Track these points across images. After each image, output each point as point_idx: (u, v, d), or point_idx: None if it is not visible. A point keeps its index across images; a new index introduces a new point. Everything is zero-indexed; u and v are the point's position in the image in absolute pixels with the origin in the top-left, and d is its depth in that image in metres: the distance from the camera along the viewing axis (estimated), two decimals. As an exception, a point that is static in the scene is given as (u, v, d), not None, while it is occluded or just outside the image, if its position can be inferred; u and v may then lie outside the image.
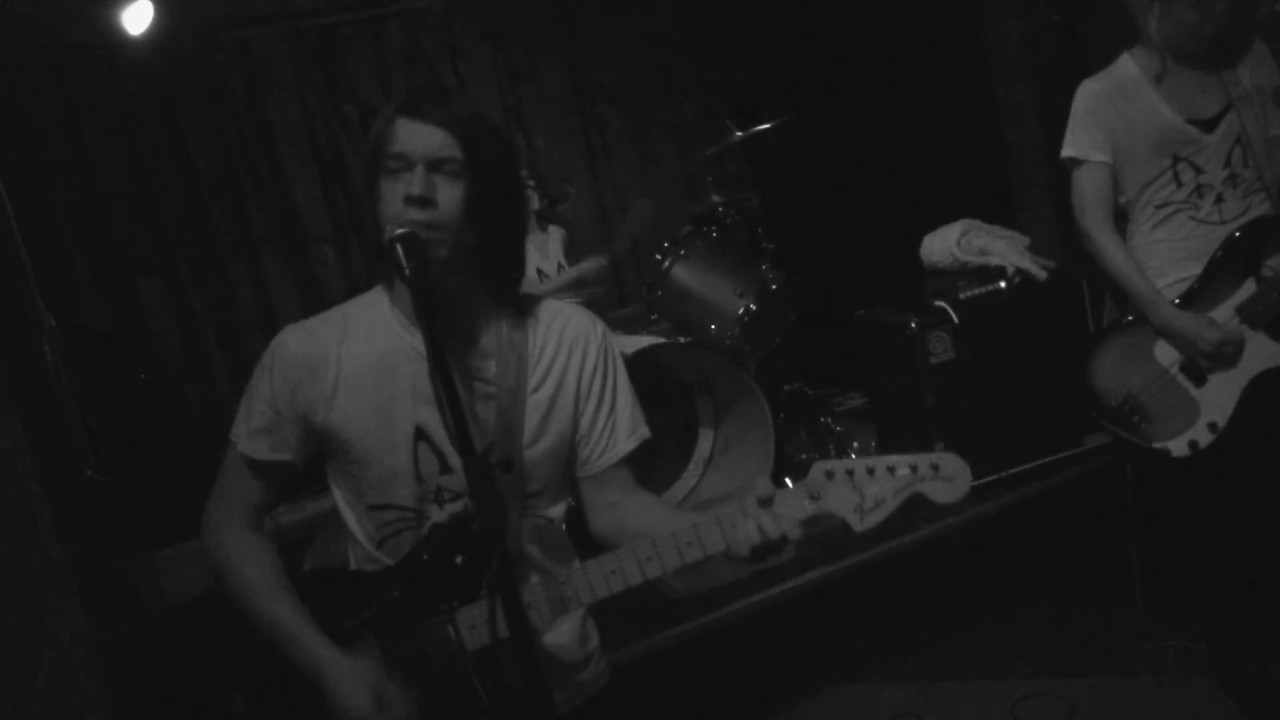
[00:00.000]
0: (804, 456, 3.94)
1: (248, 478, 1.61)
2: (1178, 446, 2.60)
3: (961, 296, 3.52)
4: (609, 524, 1.67)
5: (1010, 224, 3.82)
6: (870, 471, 1.41)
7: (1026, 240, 3.68)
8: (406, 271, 1.39)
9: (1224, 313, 2.56)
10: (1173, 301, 2.60)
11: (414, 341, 1.55)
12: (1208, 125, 2.56)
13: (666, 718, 3.05)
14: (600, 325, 1.69)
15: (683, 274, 3.75)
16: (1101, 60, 2.75)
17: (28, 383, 2.59)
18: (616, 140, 5.21)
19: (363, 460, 1.56)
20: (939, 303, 3.50)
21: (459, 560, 1.52)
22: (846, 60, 4.78)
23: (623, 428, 1.67)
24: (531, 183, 4.15)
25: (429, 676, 1.51)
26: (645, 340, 3.50)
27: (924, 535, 3.31)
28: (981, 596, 3.44)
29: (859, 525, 1.42)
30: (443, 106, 1.48)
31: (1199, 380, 2.58)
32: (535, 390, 1.60)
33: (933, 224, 3.80)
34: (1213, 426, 2.56)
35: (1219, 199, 2.58)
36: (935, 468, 1.41)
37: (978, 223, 3.71)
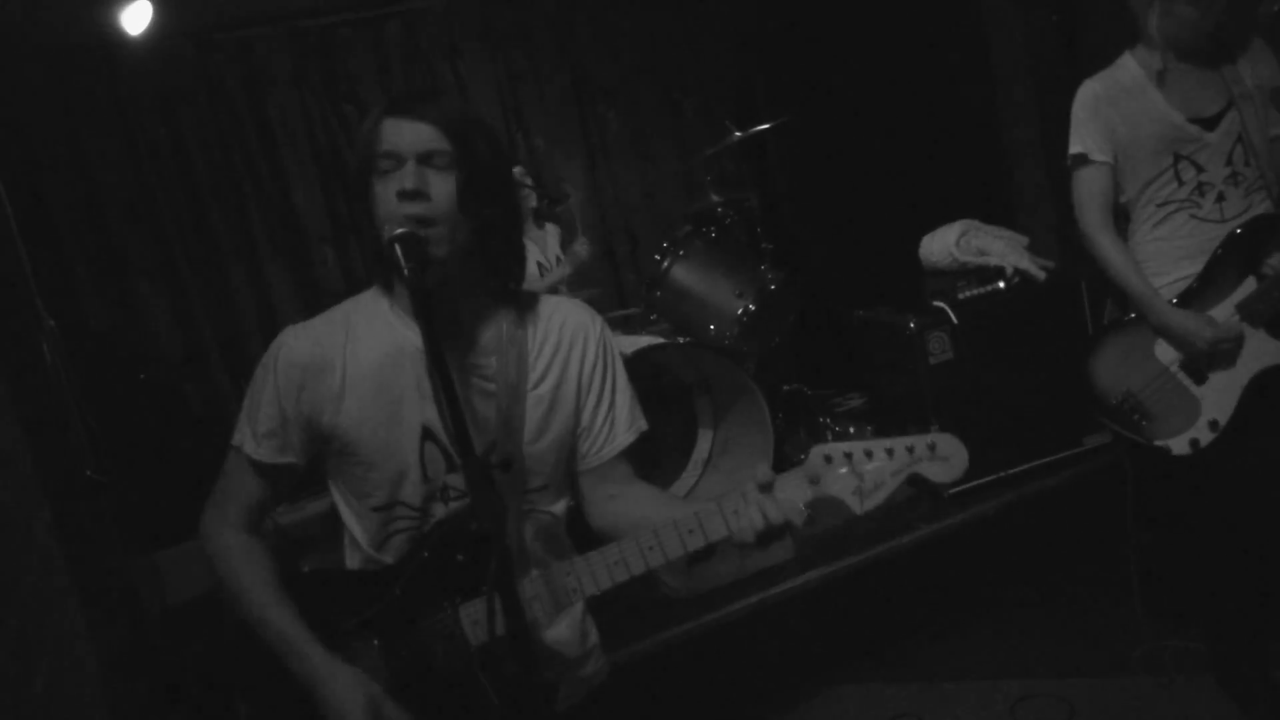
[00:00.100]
0: (803, 457, 3.94)
1: (252, 481, 1.61)
2: (1179, 445, 2.60)
3: (960, 297, 3.52)
4: (609, 516, 1.67)
5: (1009, 224, 3.82)
6: (869, 454, 1.43)
7: (1025, 240, 3.68)
8: (405, 272, 1.39)
9: (1224, 310, 2.56)
10: (1172, 300, 2.61)
11: (417, 340, 1.55)
12: (1209, 123, 2.56)
13: (666, 718, 3.05)
14: (599, 320, 1.70)
15: (682, 274, 3.75)
16: (1101, 60, 2.75)
17: (27, 383, 2.59)
18: (616, 140, 5.21)
19: (369, 460, 1.56)
20: (938, 303, 3.50)
21: (460, 557, 1.52)
22: (846, 60, 4.78)
23: (622, 421, 1.67)
24: (529, 182, 4.15)
25: (433, 673, 1.51)
26: (644, 340, 3.50)
27: (923, 536, 3.31)
28: (981, 597, 3.44)
29: (859, 507, 1.44)
30: (429, 102, 1.50)
31: (1199, 378, 2.58)
32: (536, 386, 1.61)
33: (932, 224, 3.80)
34: (1214, 425, 2.56)
35: (1220, 197, 2.58)
36: (932, 447, 1.42)
37: (976, 223, 3.72)
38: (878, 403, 4.06)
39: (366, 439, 1.55)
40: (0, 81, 4.02)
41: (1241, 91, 2.54)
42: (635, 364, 3.29)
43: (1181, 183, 2.59)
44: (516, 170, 4.18)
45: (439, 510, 1.58)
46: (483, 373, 1.58)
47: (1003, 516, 3.42)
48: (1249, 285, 2.54)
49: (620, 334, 3.78)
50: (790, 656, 3.27)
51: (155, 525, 3.28)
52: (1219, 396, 2.56)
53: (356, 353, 1.57)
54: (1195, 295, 2.59)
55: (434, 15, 4.85)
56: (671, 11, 5.24)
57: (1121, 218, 2.76)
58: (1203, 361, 2.57)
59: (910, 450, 1.42)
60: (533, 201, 4.11)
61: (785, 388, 4.27)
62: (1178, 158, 2.58)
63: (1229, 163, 2.56)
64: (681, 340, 3.57)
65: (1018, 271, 3.54)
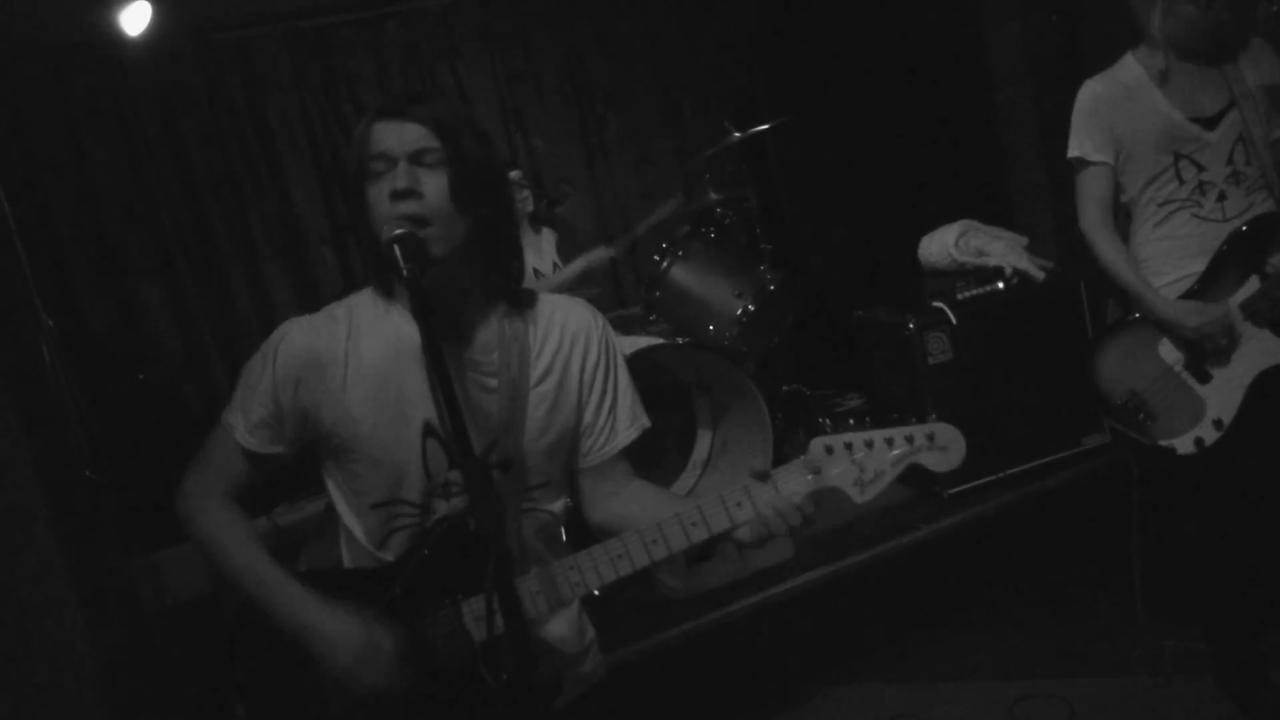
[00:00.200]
0: (801, 456, 3.94)
1: (238, 462, 1.61)
2: (1183, 444, 2.60)
3: (959, 297, 3.53)
4: (608, 513, 1.68)
5: (1008, 225, 3.83)
6: (869, 444, 1.44)
7: (1024, 241, 3.69)
8: (405, 272, 1.40)
9: (1227, 309, 2.57)
10: (1184, 300, 2.61)
11: (419, 337, 1.55)
12: (1210, 123, 2.56)
13: (666, 718, 3.05)
14: (600, 318, 1.70)
15: (681, 275, 3.75)
16: (1100, 61, 2.75)
17: (26, 383, 2.59)
18: (615, 141, 5.21)
19: (371, 457, 1.56)
20: (937, 303, 3.50)
21: (462, 553, 1.52)
22: (845, 61, 4.79)
23: (624, 419, 1.68)
24: (527, 185, 4.15)
25: (437, 668, 1.51)
26: (644, 341, 3.50)
27: (922, 536, 3.31)
28: (980, 597, 3.44)
29: (859, 497, 1.45)
30: (417, 103, 1.51)
31: (1203, 378, 2.59)
32: (539, 384, 1.61)
33: (931, 225, 3.81)
34: (1218, 424, 2.57)
35: (1221, 196, 2.58)
36: (931, 437, 1.44)
37: (975, 223, 3.72)
38: (877, 403, 4.06)
39: (368, 436, 1.55)
40: (0, 82, 4.03)
41: (1243, 91, 2.54)
42: (634, 364, 3.25)
43: (1182, 182, 2.60)
44: (515, 174, 4.18)
45: (440, 507, 1.58)
46: (484, 370, 1.58)
47: (1002, 517, 3.42)
48: (1252, 284, 2.54)
49: (619, 334, 3.76)
50: (790, 656, 3.27)
51: (154, 525, 3.28)
52: (1223, 396, 2.56)
53: (359, 349, 1.57)
54: (1198, 295, 2.59)
55: (433, 16, 4.85)
56: (671, 12, 5.24)
57: (1124, 217, 2.76)
58: (1199, 352, 2.58)
59: (909, 440, 1.44)
60: (530, 205, 4.11)
61: (784, 388, 4.27)
62: (1178, 156, 2.59)
63: (1230, 162, 2.57)
64: (681, 341, 3.57)
65: (1017, 272, 3.55)
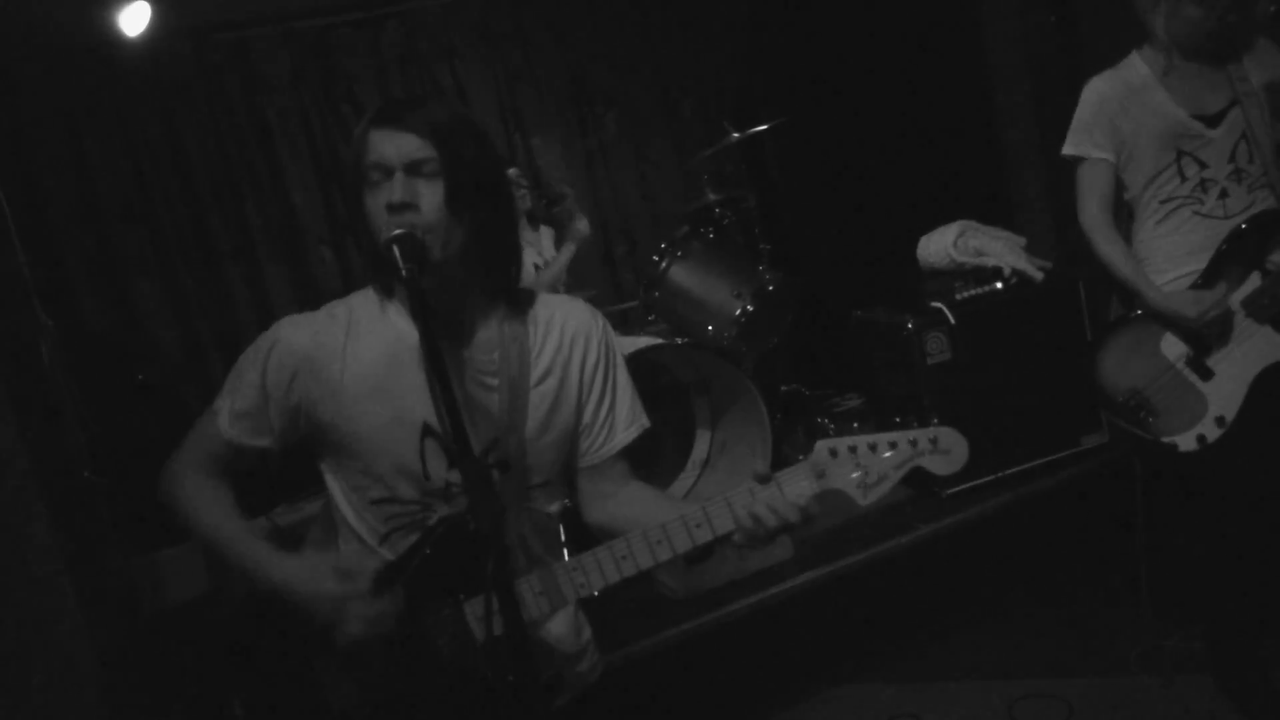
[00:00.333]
0: (801, 457, 3.94)
1: (219, 446, 1.62)
2: (1185, 441, 2.60)
3: (958, 297, 3.53)
4: (606, 513, 1.69)
5: (1007, 225, 3.83)
6: (872, 448, 1.46)
7: (1023, 241, 3.69)
8: (403, 272, 1.40)
9: (1229, 307, 2.57)
10: (1185, 290, 2.62)
11: (418, 337, 1.56)
12: (1212, 121, 2.58)
13: (665, 718, 3.05)
14: (600, 318, 1.71)
15: (680, 275, 3.75)
16: (1099, 61, 2.76)
17: (24, 384, 2.59)
18: (614, 141, 5.21)
19: (369, 455, 1.56)
20: (935, 303, 3.51)
21: (463, 553, 1.52)
22: (843, 61, 4.79)
23: (622, 419, 1.69)
24: (525, 183, 4.15)
25: (438, 669, 1.51)
26: (642, 341, 3.51)
27: (921, 536, 3.31)
28: (978, 597, 3.44)
29: (862, 500, 1.46)
30: (413, 110, 1.50)
31: (1205, 375, 2.59)
32: (539, 383, 1.61)
33: (929, 225, 3.81)
34: (1220, 421, 2.57)
35: (1223, 194, 2.59)
36: (934, 441, 1.45)
37: (974, 223, 3.72)
38: (876, 403, 4.06)
39: (366, 434, 1.55)
40: (-2, 82, 4.03)
41: (1246, 90, 2.55)
42: (633, 364, 3.25)
43: (1184, 179, 2.61)
44: (513, 171, 4.18)
45: (441, 506, 1.58)
46: (484, 369, 1.58)
47: (1000, 516, 3.42)
48: (1254, 281, 2.55)
49: (618, 334, 3.77)
50: (789, 656, 3.27)
51: (153, 525, 3.27)
52: (1225, 393, 2.57)
53: (357, 348, 1.57)
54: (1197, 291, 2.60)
55: (432, 16, 4.86)
56: (669, 12, 5.24)
57: (1126, 215, 2.77)
58: (1201, 345, 2.59)
59: (913, 444, 1.45)
60: (528, 203, 4.11)
61: (783, 388, 4.27)
62: (1180, 153, 2.60)
63: (1232, 159, 2.58)
64: (680, 341, 3.57)
65: (1015, 272, 3.55)
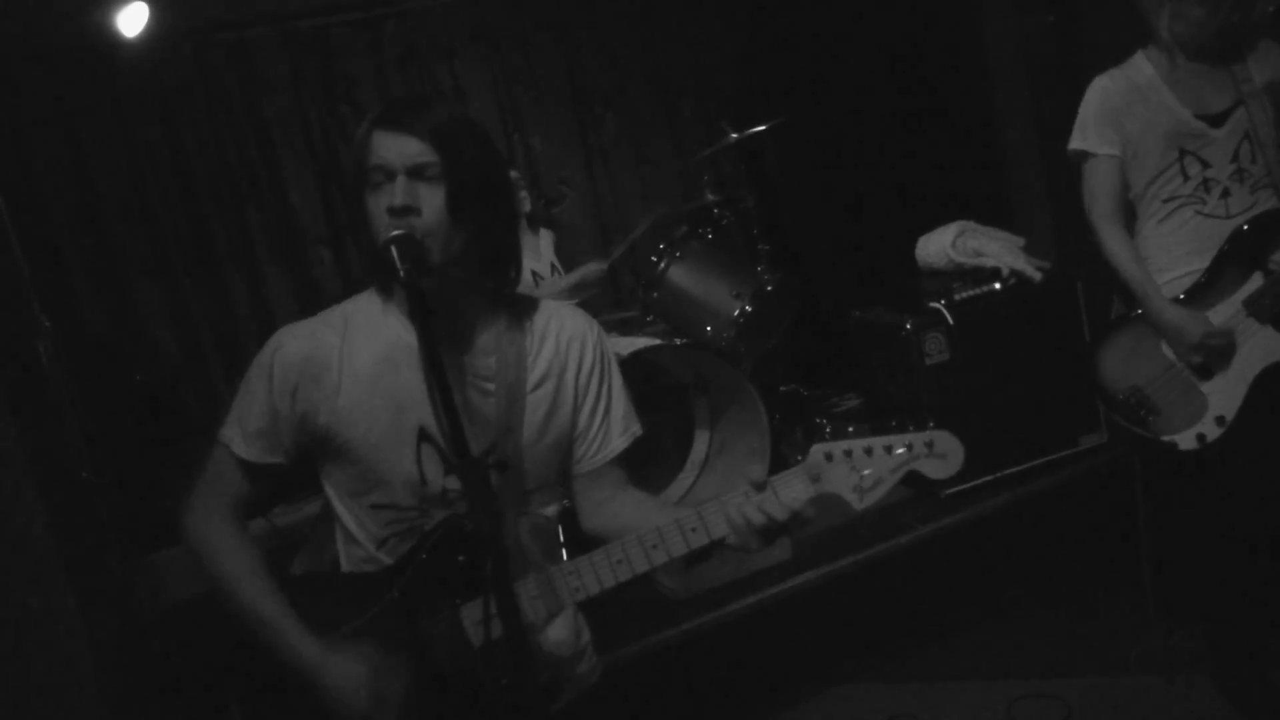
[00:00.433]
0: (800, 458, 3.94)
1: (238, 477, 1.61)
2: (1185, 440, 2.61)
3: (957, 298, 3.53)
4: (602, 521, 1.69)
5: (1005, 225, 3.83)
6: (868, 451, 1.46)
7: (1021, 241, 3.69)
8: (401, 273, 1.40)
9: (1231, 306, 2.58)
10: (1178, 296, 2.62)
11: (415, 340, 1.55)
12: (1216, 120, 2.58)
13: (664, 719, 3.05)
14: (595, 325, 1.71)
15: (679, 275, 3.75)
16: (1098, 61, 2.76)
17: (23, 384, 2.59)
18: (613, 142, 5.20)
19: (366, 460, 1.56)
20: (934, 304, 3.51)
21: (460, 557, 1.52)
22: (843, 62, 4.79)
23: (617, 425, 1.69)
24: (524, 184, 4.14)
25: (436, 674, 1.51)
26: (641, 341, 3.51)
27: (920, 536, 3.32)
28: (977, 597, 3.45)
29: (858, 504, 1.46)
30: (418, 113, 1.50)
31: (1205, 374, 2.60)
32: (536, 388, 1.61)
33: (928, 225, 3.81)
34: (1220, 420, 2.58)
35: (1225, 193, 2.60)
36: (930, 445, 1.45)
37: (973, 224, 3.73)
38: (874, 403, 4.06)
39: (362, 439, 1.55)
40: (-4, 83, 4.03)
41: (1250, 90, 2.56)
42: (632, 365, 3.29)
43: (1187, 178, 2.61)
44: (512, 174, 4.16)
45: (438, 512, 1.58)
46: (481, 373, 1.58)
47: (999, 517, 3.42)
48: (1256, 281, 2.56)
49: (617, 335, 3.78)
50: (788, 657, 3.27)
51: (152, 526, 3.28)
52: (1226, 392, 2.57)
53: (353, 353, 1.57)
54: (1201, 291, 2.60)
55: (431, 16, 4.85)
56: (668, 13, 5.24)
57: (1129, 214, 2.78)
58: (1194, 359, 2.59)
59: (909, 447, 1.45)
60: (528, 205, 4.11)
61: (782, 388, 4.27)
62: (1183, 152, 2.60)
63: (1235, 159, 2.58)
64: (678, 341, 3.57)
65: (1014, 272, 3.55)
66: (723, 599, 3.12)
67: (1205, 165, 2.60)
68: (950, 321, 3.45)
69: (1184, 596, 3.04)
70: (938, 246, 3.71)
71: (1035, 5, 4.08)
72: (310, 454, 1.63)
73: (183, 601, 3.26)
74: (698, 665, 3.09)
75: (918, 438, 1.45)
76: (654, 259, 3.80)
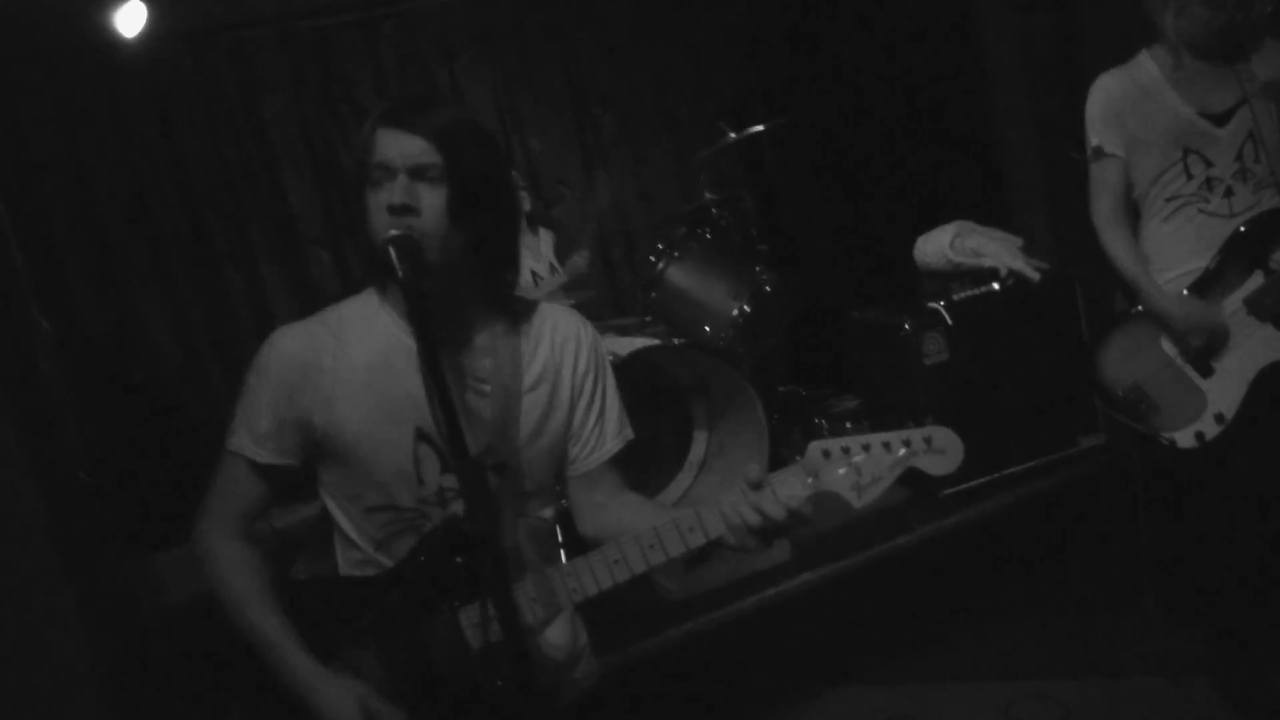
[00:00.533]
0: (798, 458, 3.94)
1: (249, 485, 1.60)
2: (1184, 438, 2.61)
3: (955, 298, 3.53)
4: (599, 524, 1.69)
5: (1003, 225, 3.82)
6: (866, 448, 1.44)
7: (1019, 242, 3.69)
8: (399, 274, 1.40)
9: (1232, 304, 2.59)
10: (1181, 292, 2.62)
11: (411, 342, 1.56)
12: (1220, 119, 2.59)
13: None
14: (590, 327, 1.72)
15: (677, 276, 3.75)
16: (1098, 61, 2.77)
17: (21, 385, 2.59)
18: (611, 142, 5.21)
19: (363, 462, 1.56)
20: (933, 304, 3.51)
21: (458, 560, 1.52)
22: (841, 62, 4.79)
23: (611, 428, 1.69)
24: (523, 184, 4.14)
25: (434, 677, 1.51)
26: (639, 342, 3.50)
27: (918, 537, 3.31)
28: (976, 598, 3.44)
29: (857, 502, 1.45)
30: (423, 113, 1.50)
31: (1205, 371, 2.60)
32: (531, 389, 1.61)
33: (926, 225, 3.81)
34: (1219, 418, 2.58)
35: (1228, 192, 2.60)
36: (928, 441, 1.44)
37: (971, 224, 3.72)
38: (872, 404, 4.06)
39: (358, 440, 1.55)
40: (-6, 83, 4.02)
41: (1254, 89, 2.57)
42: (630, 365, 3.28)
43: (1190, 177, 2.62)
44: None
45: (436, 512, 1.58)
46: (477, 374, 1.58)
47: (997, 518, 3.42)
48: (1256, 279, 2.56)
49: (615, 335, 3.77)
50: (786, 658, 3.27)
51: (151, 528, 3.28)
52: (1225, 390, 2.58)
53: (348, 354, 1.57)
54: (1203, 289, 2.61)
55: (429, 17, 4.84)
56: (667, 14, 5.24)
57: (1133, 213, 2.78)
58: (1193, 350, 2.59)
59: (907, 444, 1.44)
60: (528, 205, 4.10)
61: (780, 389, 4.27)
62: (1187, 151, 2.61)
63: (1238, 158, 2.59)
64: (677, 342, 3.57)
65: (1012, 273, 3.55)
66: (722, 600, 3.11)
67: (1208, 164, 2.61)
68: (949, 322, 3.45)
69: (1183, 597, 3.04)
70: (936, 247, 3.71)
71: (1035, 5, 4.08)
72: (314, 456, 1.63)
73: (182, 602, 3.26)
74: (697, 667, 3.09)
75: (916, 434, 1.44)
76: (653, 259, 3.80)
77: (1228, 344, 2.57)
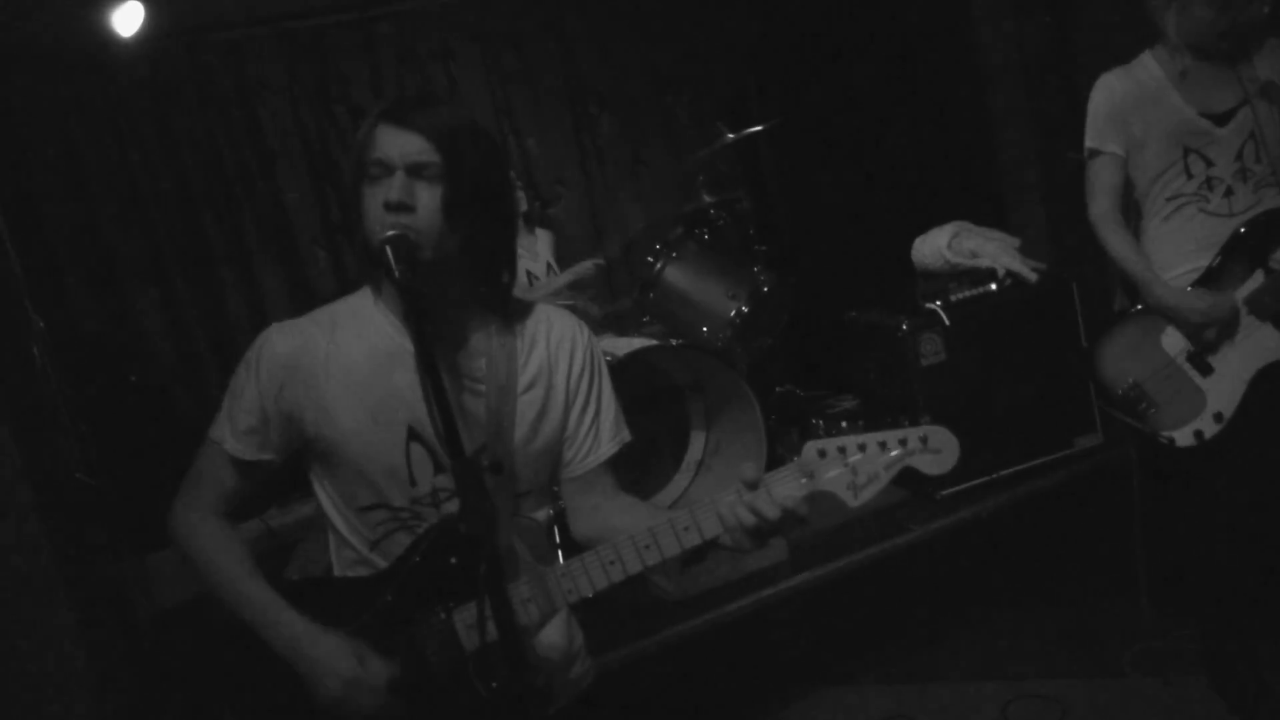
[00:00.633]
0: (794, 458, 3.94)
1: (228, 475, 1.61)
2: (1183, 436, 2.61)
3: (952, 298, 3.53)
4: (594, 527, 1.68)
5: (1001, 226, 3.83)
6: (862, 448, 1.43)
7: (1017, 242, 3.69)
8: (395, 273, 1.40)
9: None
10: (1187, 288, 2.63)
11: (405, 341, 1.56)
12: (1220, 119, 2.60)
13: (659, 720, 3.05)
14: (586, 328, 1.71)
15: (675, 276, 3.75)
16: (1094, 61, 2.77)
17: (16, 385, 2.59)
18: (608, 142, 5.20)
19: (355, 461, 1.56)
20: (930, 305, 3.51)
21: (453, 560, 1.52)
22: (838, 62, 4.79)
23: (607, 430, 1.69)
24: (520, 184, 4.13)
25: (428, 678, 1.50)
26: (637, 342, 3.50)
27: (915, 537, 3.31)
28: (973, 598, 3.45)
29: (853, 501, 1.44)
30: (423, 112, 1.50)
31: (1205, 370, 2.61)
32: (527, 390, 1.61)
33: (924, 226, 3.81)
34: (1218, 417, 2.58)
35: (1229, 191, 2.61)
36: (924, 440, 1.43)
37: (968, 225, 3.72)
38: (869, 404, 4.06)
39: (350, 440, 1.55)
40: (-9, 83, 4.01)
41: (1255, 89, 2.57)
42: (628, 365, 3.28)
43: (1190, 176, 2.62)
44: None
45: (429, 513, 1.58)
46: (472, 375, 1.58)
47: (994, 518, 3.42)
48: (1257, 279, 2.57)
49: (613, 336, 3.77)
50: (783, 658, 3.27)
51: (145, 529, 3.27)
52: (1224, 389, 2.58)
53: (341, 353, 1.56)
54: (1205, 286, 2.61)
55: (426, 17, 4.84)
56: (664, 14, 5.23)
57: (1134, 212, 2.78)
58: (1205, 342, 2.60)
59: (903, 443, 1.43)
60: (524, 204, 4.10)
61: (777, 389, 4.27)
62: (1187, 150, 2.62)
63: (1239, 158, 2.60)
64: (674, 342, 3.57)
65: (1009, 273, 3.55)
66: (719, 600, 3.11)
67: (1209, 164, 2.61)
68: (946, 322, 3.45)
69: (1179, 597, 3.04)
70: (933, 247, 3.71)
71: (1032, 6, 4.08)
72: (301, 454, 1.62)
73: (178, 604, 3.25)
74: (694, 667, 3.08)
75: (912, 433, 1.43)
76: (650, 260, 3.80)
77: (1231, 340, 2.58)
